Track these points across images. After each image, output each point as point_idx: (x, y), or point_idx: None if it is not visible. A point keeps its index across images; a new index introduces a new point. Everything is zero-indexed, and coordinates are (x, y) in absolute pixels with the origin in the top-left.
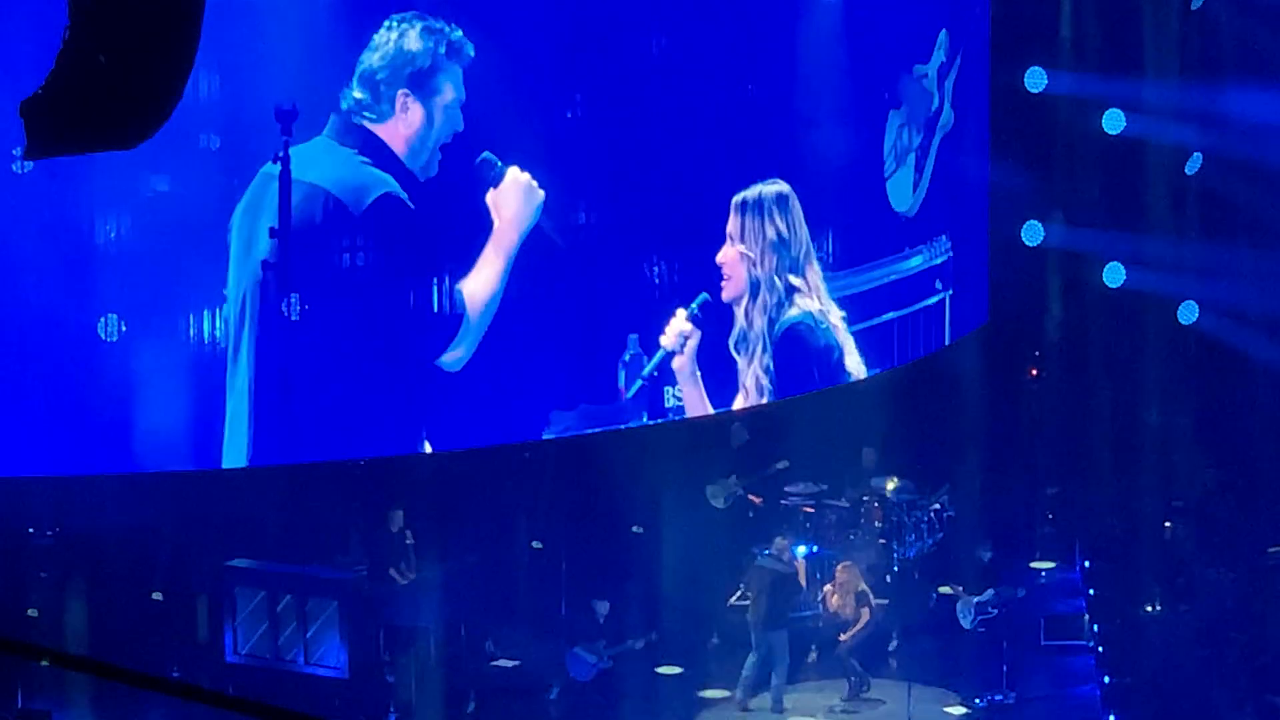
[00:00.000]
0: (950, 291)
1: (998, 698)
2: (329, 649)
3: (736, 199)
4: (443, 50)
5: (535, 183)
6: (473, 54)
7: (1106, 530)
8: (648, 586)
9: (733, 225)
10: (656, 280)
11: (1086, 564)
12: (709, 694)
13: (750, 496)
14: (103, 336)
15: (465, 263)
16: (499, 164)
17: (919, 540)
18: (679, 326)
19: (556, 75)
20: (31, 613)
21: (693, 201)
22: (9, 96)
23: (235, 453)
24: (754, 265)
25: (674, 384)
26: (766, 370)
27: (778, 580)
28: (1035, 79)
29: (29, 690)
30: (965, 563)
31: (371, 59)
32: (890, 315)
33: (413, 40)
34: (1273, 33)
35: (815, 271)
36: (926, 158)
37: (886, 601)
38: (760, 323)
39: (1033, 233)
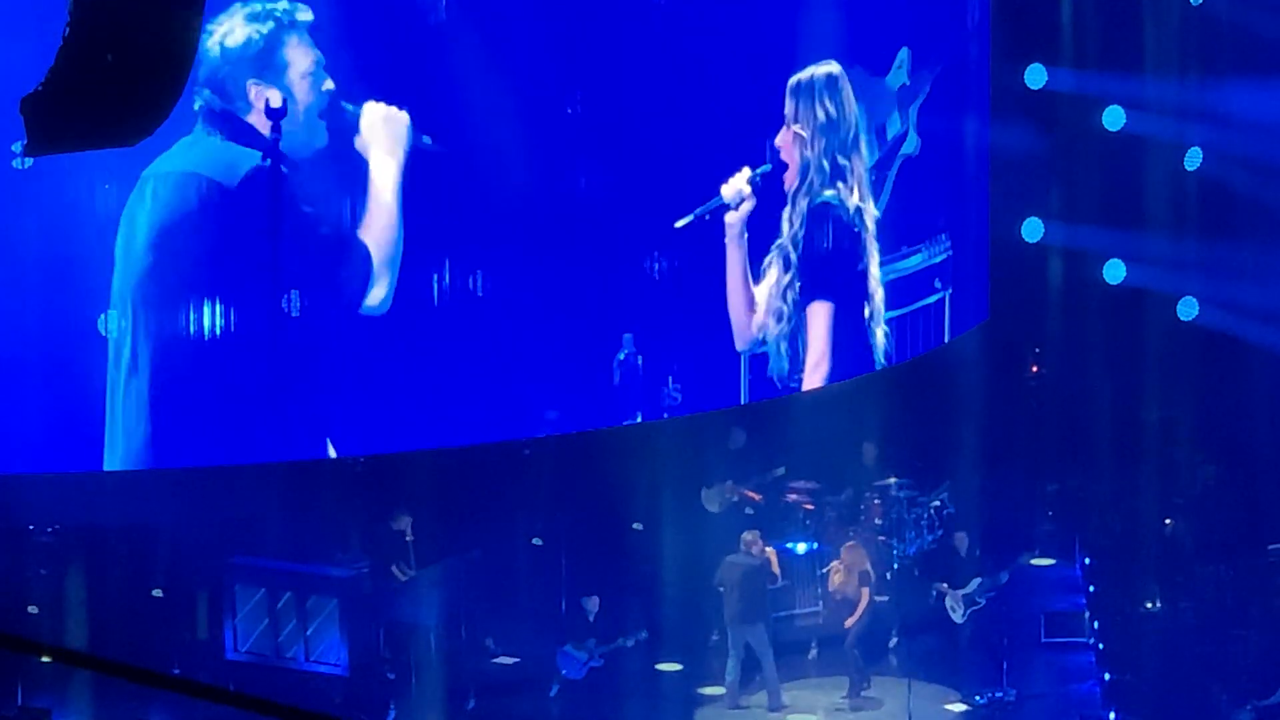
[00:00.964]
0: (949, 290)
1: (998, 695)
2: (329, 646)
3: (791, 81)
4: (272, 26)
5: (394, 109)
6: (310, 17)
7: (1107, 527)
8: (648, 583)
9: (789, 108)
10: (656, 277)
11: (1087, 561)
12: (709, 690)
13: (750, 494)
14: (103, 333)
15: (350, 204)
16: (351, 108)
17: (919, 537)
18: (739, 184)
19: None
20: (32, 609)
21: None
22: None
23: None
24: (806, 147)
25: (668, 381)
26: (795, 244)
27: (749, 574)
28: (1036, 76)
29: (29, 687)
30: (965, 559)
31: (206, 68)
32: (889, 314)
33: (237, 32)
34: (1272, 29)
35: (861, 159)
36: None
37: (887, 598)
38: (803, 204)
39: (1033, 229)
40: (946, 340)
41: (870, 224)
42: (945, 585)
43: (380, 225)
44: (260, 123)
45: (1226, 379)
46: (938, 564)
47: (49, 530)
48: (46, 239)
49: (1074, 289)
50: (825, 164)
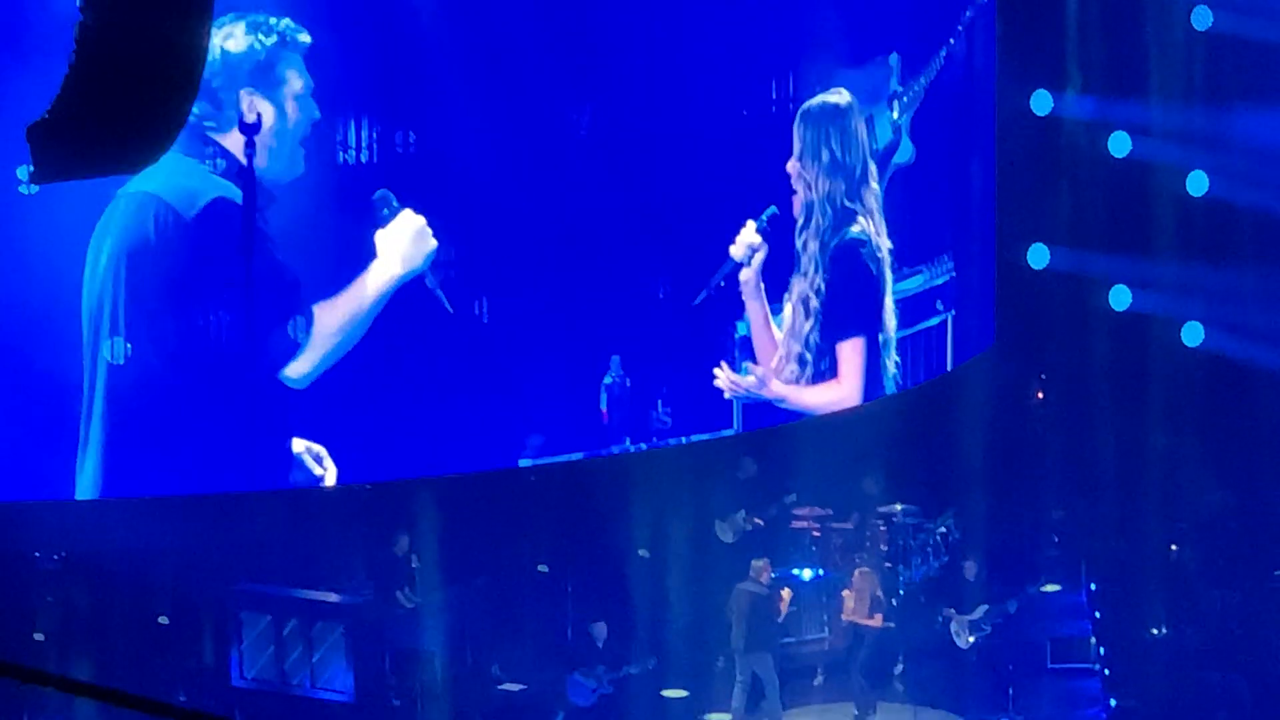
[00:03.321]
0: (953, 313)
1: None
2: (335, 673)
3: (802, 108)
4: (274, 40)
5: (429, 230)
6: (309, 40)
7: (1112, 553)
8: (653, 610)
9: (796, 142)
10: (645, 299)
11: (1093, 586)
12: (714, 717)
13: (754, 519)
14: (109, 359)
15: (327, 278)
16: (394, 203)
17: (924, 563)
18: (747, 238)
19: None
20: (38, 637)
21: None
22: (15, 120)
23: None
24: (809, 188)
25: (658, 406)
26: (817, 291)
27: (757, 603)
28: (1041, 102)
29: (35, 715)
30: (971, 585)
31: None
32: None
33: (238, 40)
34: (1277, 53)
35: (873, 193)
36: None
37: (892, 624)
38: (813, 246)
39: (1039, 256)
40: (950, 364)
41: (887, 255)
42: (952, 611)
43: (341, 315)
44: (240, 145)
45: (1232, 404)
46: (944, 590)
47: (54, 558)
48: (39, 259)
49: (1079, 315)
50: (829, 207)
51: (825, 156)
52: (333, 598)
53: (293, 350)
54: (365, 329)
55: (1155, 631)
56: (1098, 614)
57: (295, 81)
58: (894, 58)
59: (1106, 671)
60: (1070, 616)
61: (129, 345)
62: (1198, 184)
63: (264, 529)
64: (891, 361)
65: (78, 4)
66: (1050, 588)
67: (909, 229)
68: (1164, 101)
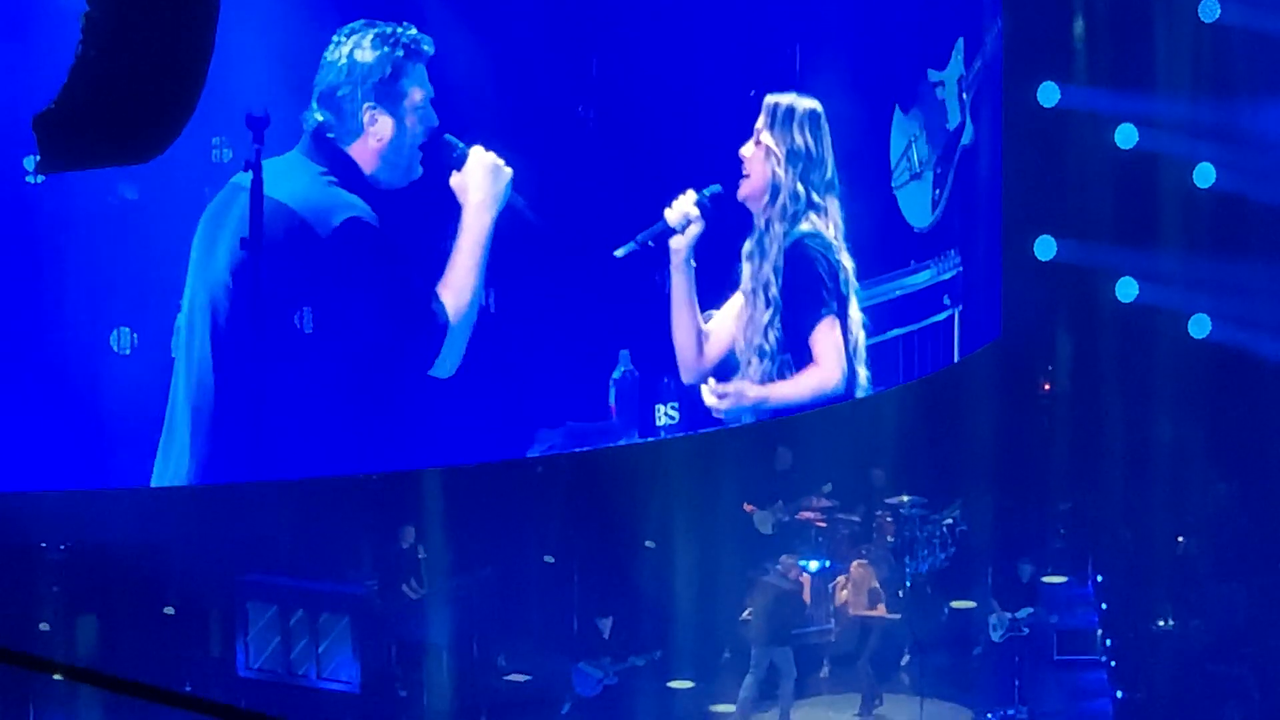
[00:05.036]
0: (959, 307)
1: (1010, 713)
2: (341, 664)
3: (769, 100)
4: (400, 54)
5: (501, 161)
6: (432, 50)
7: (1119, 545)
8: (659, 601)
9: (762, 122)
10: (652, 292)
11: (1099, 579)
12: (720, 709)
13: (746, 506)
14: (115, 349)
15: (442, 263)
16: (460, 145)
17: (931, 555)
18: (684, 207)
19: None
20: (43, 627)
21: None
22: (22, 110)
23: (173, 470)
24: (778, 164)
25: (664, 400)
26: (777, 272)
27: (781, 597)
28: (1048, 94)
29: (40, 705)
30: (977, 577)
31: (327, 78)
32: (896, 332)
33: (366, 51)
34: None
35: (835, 206)
36: (948, 173)
37: (899, 616)
38: (779, 229)
39: (1045, 248)
40: (956, 358)
41: (851, 275)
42: (996, 604)
43: (461, 280)
44: (364, 155)
45: (1239, 397)
46: (950, 581)
47: (61, 547)
48: (60, 251)
49: (1086, 307)
50: (801, 190)
51: (800, 142)
52: (339, 588)
53: (437, 344)
54: (483, 286)
55: (1162, 624)
56: (1104, 606)
57: (416, 94)
58: (960, 42)
59: (1113, 663)
60: (1077, 608)
61: (264, 328)
62: (1205, 176)
63: (270, 520)
64: (864, 374)
65: None
66: (1057, 579)
67: (966, 204)
68: (1171, 94)
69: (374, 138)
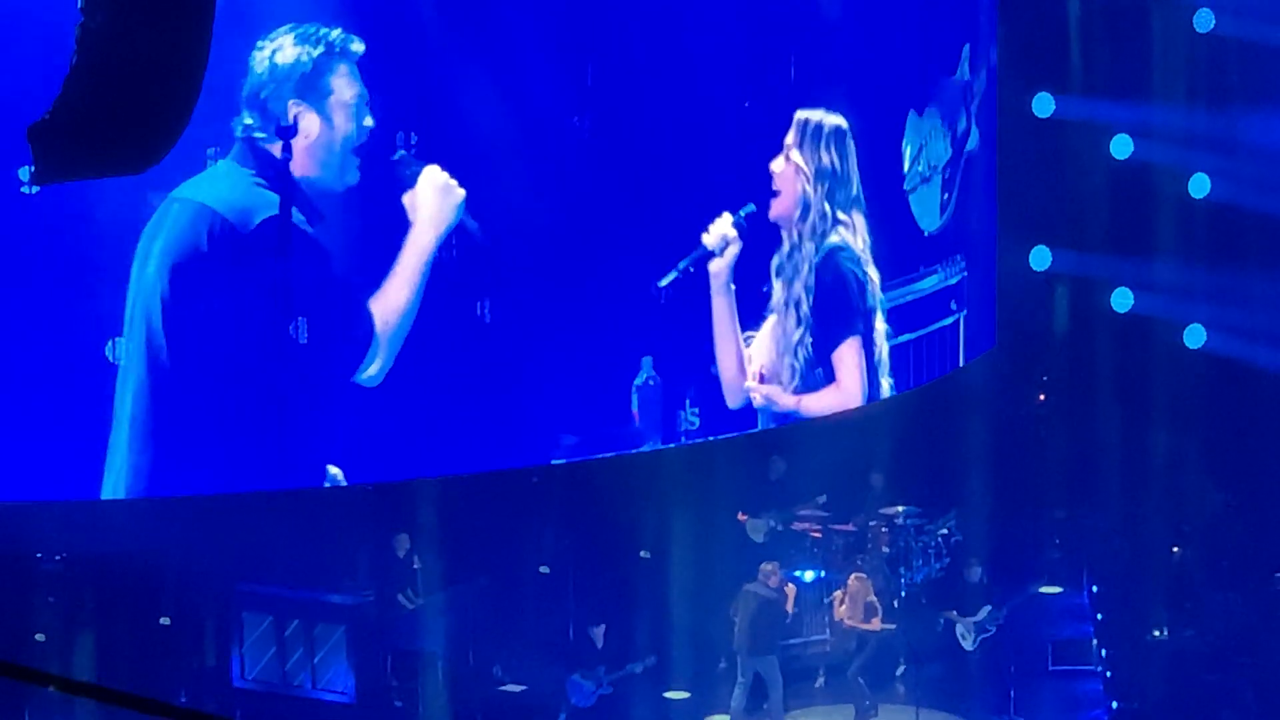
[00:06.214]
0: (965, 311)
1: None
2: (336, 674)
3: (799, 116)
4: (321, 51)
5: (454, 181)
6: (362, 49)
7: (1114, 555)
8: (653, 611)
9: (791, 138)
10: (675, 300)
11: (1094, 588)
12: (715, 718)
13: (739, 516)
14: (110, 360)
15: (380, 272)
16: (415, 164)
17: (926, 565)
18: (722, 229)
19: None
20: (39, 637)
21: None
22: (17, 120)
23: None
24: (807, 182)
25: (685, 406)
26: (808, 290)
27: (764, 606)
28: (1043, 104)
29: (36, 715)
30: (973, 587)
31: (252, 83)
32: (907, 336)
33: (287, 52)
34: (1278, 55)
35: (861, 219)
36: (955, 176)
37: (894, 626)
38: (809, 247)
39: (1040, 258)
40: (961, 363)
41: (876, 287)
42: (954, 613)
43: (396, 298)
44: (292, 155)
45: (1234, 407)
46: (945, 592)
47: (56, 558)
48: (54, 261)
49: (1081, 317)
50: (827, 209)
51: (826, 160)
52: (334, 599)
53: (363, 351)
54: (419, 303)
55: (1157, 634)
56: (1099, 616)
57: (344, 90)
58: (966, 48)
59: (1108, 674)
60: (1072, 618)
61: (172, 349)
62: (1200, 186)
63: (266, 530)
64: (886, 383)
65: (79, 5)
66: (1052, 589)
67: (969, 210)
68: (1166, 104)
69: (303, 135)
